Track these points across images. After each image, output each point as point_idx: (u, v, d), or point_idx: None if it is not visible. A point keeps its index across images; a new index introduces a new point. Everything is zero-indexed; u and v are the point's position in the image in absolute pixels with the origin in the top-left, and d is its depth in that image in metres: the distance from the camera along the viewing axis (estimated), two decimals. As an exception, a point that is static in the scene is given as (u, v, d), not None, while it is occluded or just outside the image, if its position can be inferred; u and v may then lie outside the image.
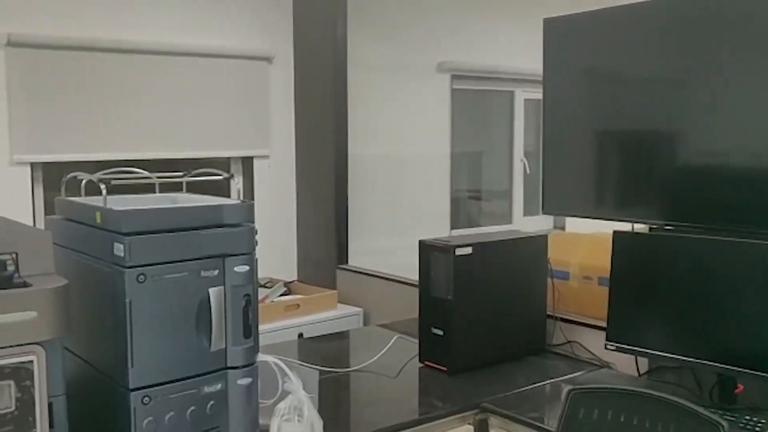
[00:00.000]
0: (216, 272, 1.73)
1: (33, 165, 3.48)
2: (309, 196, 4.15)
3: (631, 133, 2.43)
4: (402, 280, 3.42)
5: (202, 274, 1.71)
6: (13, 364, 1.45)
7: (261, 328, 3.24)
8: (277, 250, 4.08)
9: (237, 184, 2.21)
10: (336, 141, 3.90)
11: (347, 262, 3.90)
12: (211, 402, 1.75)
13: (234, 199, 1.84)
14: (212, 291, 1.73)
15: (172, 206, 1.74)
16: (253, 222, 1.82)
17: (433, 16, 4.55)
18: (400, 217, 4.41)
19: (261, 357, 1.85)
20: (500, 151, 5.31)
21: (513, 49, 4.63)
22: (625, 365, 2.46)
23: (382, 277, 3.62)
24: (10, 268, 1.51)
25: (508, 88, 5.13)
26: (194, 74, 3.82)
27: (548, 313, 2.72)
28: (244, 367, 1.79)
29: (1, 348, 1.43)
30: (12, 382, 1.45)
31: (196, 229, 1.70)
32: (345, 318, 3.57)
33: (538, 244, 2.67)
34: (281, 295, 3.69)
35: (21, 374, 1.46)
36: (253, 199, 4.11)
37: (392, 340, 2.69)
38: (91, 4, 3.56)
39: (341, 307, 3.66)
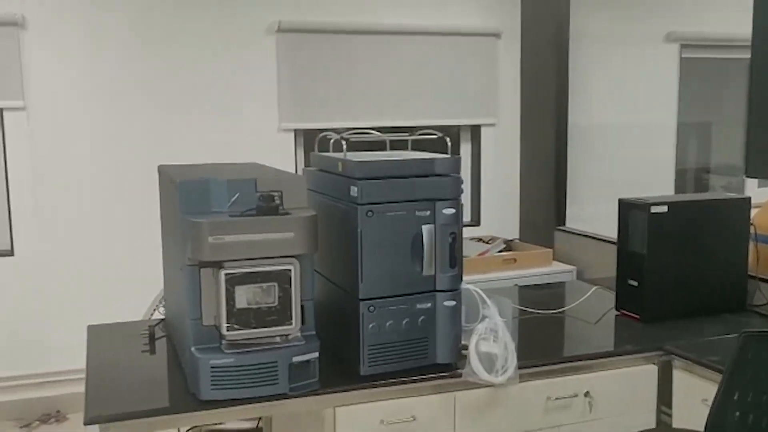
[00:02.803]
0: (428, 213, 2.14)
1: (296, 131, 4.17)
2: (531, 163, 4.44)
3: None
4: (613, 240, 3.62)
5: (417, 213, 2.13)
6: (277, 270, 1.97)
7: (480, 277, 3.65)
8: (500, 211, 4.45)
9: (449, 142, 2.58)
10: (557, 110, 4.16)
11: (564, 224, 4.16)
12: (422, 317, 2.17)
13: (444, 154, 2.23)
14: (425, 228, 2.14)
15: (395, 158, 2.18)
16: (459, 173, 2.20)
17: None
18: (621, 185, 4.55)
19: (464, 285, 2.23)
20: (733, 122, 5.18)
21: (745, 15, 4.52)
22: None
23: (595, 238, 3.84)
24: (277, 201, 2.03)
25: (743, 56, 4.98)
26: (429, 51, 4.29)
27: (750, 274, 2.82)
28: (449, 291, 2.18)
29: (270, 258, 1.96)
30: (276, 284, 1.98)
31: (413, 177, 2.12)
32: (558, 274, 3.85)
33: (739, 206, 2.77)
34: (501, 251, 4.05)
35: (282, 278, 1.98)
36: (479, 164, 4.51)
37: (591, 291, 2.96)
38: (343, -7, 4.16)
39: (556, 265, 3.94)
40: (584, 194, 4.29)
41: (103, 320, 2.87)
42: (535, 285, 3.48)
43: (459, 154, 4.40)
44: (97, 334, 2.56)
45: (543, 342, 2.54)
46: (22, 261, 3.90)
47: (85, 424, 1.90)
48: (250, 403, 1.98)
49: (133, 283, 3.88)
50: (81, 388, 2.65)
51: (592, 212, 4.30)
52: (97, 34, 3.87)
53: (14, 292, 3.89)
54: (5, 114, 3.80)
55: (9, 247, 3.92)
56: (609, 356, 2.40)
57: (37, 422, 3.95)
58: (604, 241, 3.78)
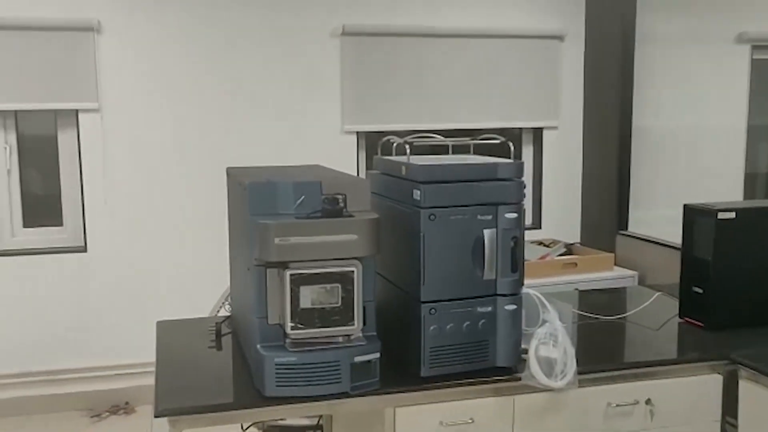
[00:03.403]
0: (490, 217, 2.16)
1: (358, 133, 4.22)
2: (594, 166, 4.40)
3: None
4: (677, 246, 3.57)
5: (479, 217, 2.15)
6: (341, 271, 2.02)
7: (540, 281, 3.64)
8: (561, 214, 4.42)
9: (512, 147, 2.58)
10: (621, 113, 4.11)
11: (627, 228, 4.11)
12: (483, 320, 2.19)
13: (506, 159, 2.24)
14: (486, 232, 2.16)
15: (458, 162, 2.20)
16: (522, 178, 2.21)
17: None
18: (686, 189, 4.47)
19: (525, 289, 2.24)
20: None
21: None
22: None
23: (658, 243, 3.79)
24: (341, 204, 2.08)
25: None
26: (492, 53, 4.29)
27: (822, 283, 2.74)
28: (510, 295, 2.19)
29: (334, 259, 2.00)
30: (339, 285, 2.02)
31: (475, 181, 2.14)
32: (619, 279, 3.81)
33: (811, 213, 2.70)
34: (561, 254, 4.03)
35: (345, 280, 2.02)
36: (541, 166, 4.49)
37: (653, 297, 2.92)
38: (407, -4, 4.19)
39: (617, 270, 3.90)
40: (648, 198, 4.23)
41: (172, 316, 2.97)
42: (596, 290, 3.45)
43: (521, 157, 4.41)
44: (165, 329, 2.65)
45: (603, 347, 2.53)
46: (94, 257, 4.05)
47: (156, 416, 1.97)
48: (312, 401, 2.03)
49: (200, 281, 4.00)
50: (148, 381, 2.76)
51: (656, 217, 4.24)
52: (167, 38, 4.00)
53: (87, 286, 4.05)
54: (80, 115, 3.95)
55: (83, 243, 4.08)
56: (672, 364, 2.37)
57: (107, 413, 4.09)
58: (668, 246, 3.73)
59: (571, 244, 4.25)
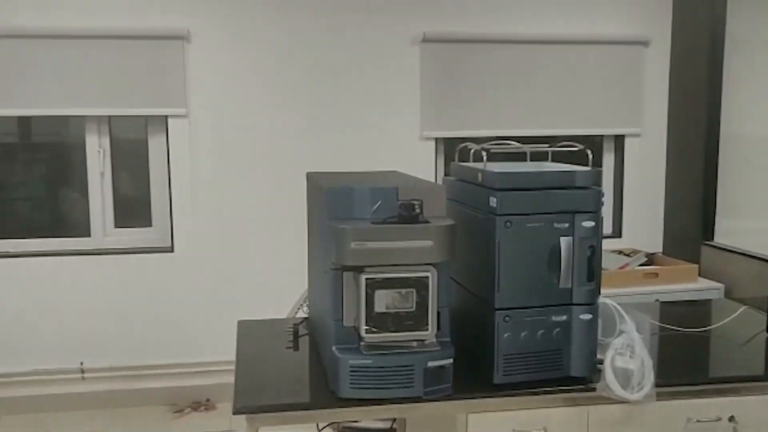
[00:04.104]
0: (566, 225, 2.14)
1: (437, 140, 4.24)
2: (678, 174, 4.29)
3: None
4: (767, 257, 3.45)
5: (555, 225, 2.13)
6: (416, 276, 2.04)
7: (619, 291, 3.58)
8: (643, 223, 4.33)
9: (590, 154, 2.55)
10: (708, 120, 3.99)
11: (713, 239, 3.98)
12: (557, 329, 2.17)
13: (584, 167, 2.22)
14: (563, 240, 2.14)
15: (534, 170, 2.19)
16: (600, 186, 2.18)
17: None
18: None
19: (601, 299, 2.21)
20: None
21: None
22: None
23: (747, 255, 3.66)
24: (417, 209, 2.10)
25: None
26: (573, 60, 4.24)
27: None
28: (586, 304, 2.17)
29: (410, 265, 2.03)
30: (414, 290, 2.04)
31: (552, 189, 2.13)
32: (704, 291, 3.70)
33: None
34: (642, 264, 3.94)
35: (420, 285, 2.04)
36: (622, 174, 4.40)
37: (739, 310, 2.83)
38: (486, 3, 4.18)
39: (701, 281, 3.79)
40: (736, 208, 4.09)
41: (252, 316, 3.05)
42: (678, 301, 3.36)
43: (601, 165, 4.34)
44: (246, 328, 2.73)
45: (684, 361, 2.46)
46: (180, 257, 4.20)
47: (234, 413, 2.04)
48: (385, 404, 2.05)
49: (280, 282, 4.09)
50: (229, 379, 2.85)
51: (745, 228, 4.09)
52: (252, 47, 4.11)
53: (173, 286, 4.20)
54: (169, 120, 4.11)
55: (170, 244, 4.23)
56: (758, 380, 2.29)
57: (189, 409, 4.23)
58: (758, 258, 3.60)
59: (653, 254, 4.15)
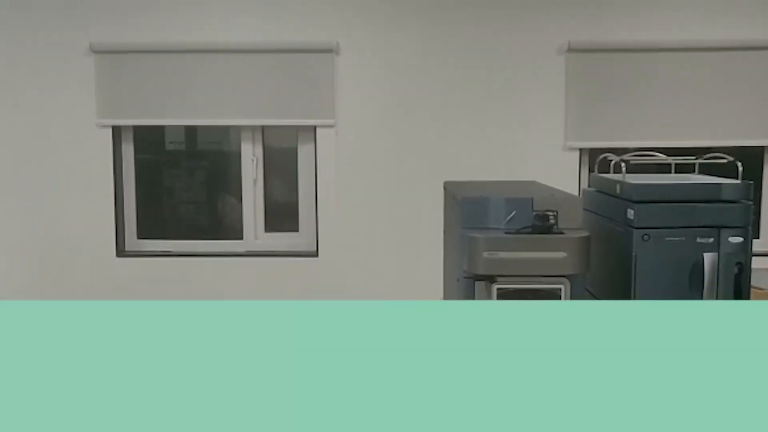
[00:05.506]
0: (711, 240, 2.06)
1: (581, 150, 4.16)
2: None
3: None
4: None
5: (698, 240, 2.06)
6: (548, 288, 2.03)
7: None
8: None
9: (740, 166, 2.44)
10: None
11: None
12: (699, 348, 2.08)
13: (732, 180, 2.12)
14: (707, 256, 2.06)
15: (675, 182, 2.12)
16: (751, 200, 2.08)
17: None
18: None
19: (749, 319, 2.10)
20: None
21: None
22: None
23: None
24: (552, 220, 2.09)
25: None
26: (727, 66, 4.04)
27: None
28: (731, 324, 2.07)
29: (542, 276, 2.02)
30: (547, 301, 2.03)
31: (695, 202, 2.05)
32: None
33: None
34: (805, 285, 3.67)
35: (552, 297, 2.03)
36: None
37: None
38: (631, 9, 4.06)
39: None
40: None
41: (389, 321, 3.12)
42: None
43: (759, 178, 4.07)
44: (382, 333, 2.80)
45: None
46: (324, 262, 4.36)
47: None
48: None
49: (417, 288, 4.16)
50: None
51: None
52: (398, 58, 4.22)
53: (317, 289, 4.37)
54: (318, 130, 4.29)
55: (315, 249, 4.41)
56: None
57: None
58: None
59: (819, 274, 3.86)
